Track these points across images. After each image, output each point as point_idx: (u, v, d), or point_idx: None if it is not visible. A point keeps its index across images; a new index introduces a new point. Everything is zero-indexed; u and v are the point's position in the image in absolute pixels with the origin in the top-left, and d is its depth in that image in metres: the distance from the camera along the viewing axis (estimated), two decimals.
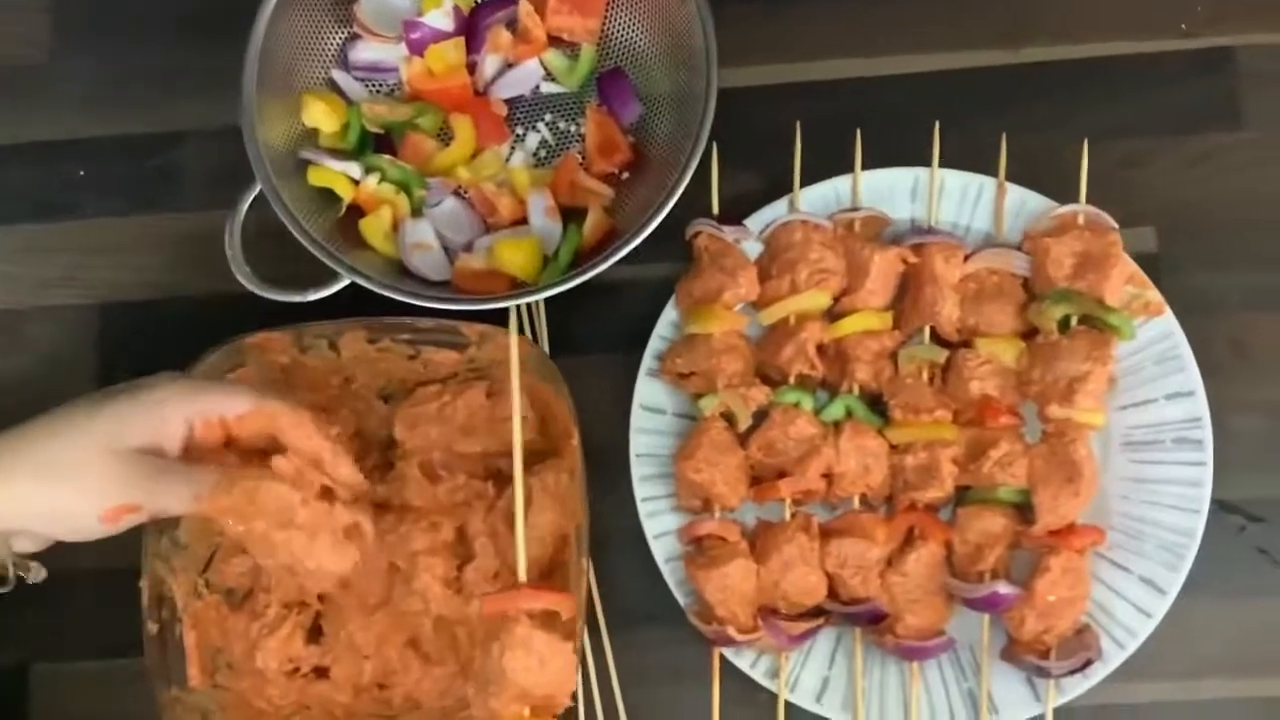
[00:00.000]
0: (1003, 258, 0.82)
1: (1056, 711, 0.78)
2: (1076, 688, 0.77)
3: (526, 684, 0.67)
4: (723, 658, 0.80)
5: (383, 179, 0.86)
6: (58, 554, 0.71)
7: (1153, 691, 0.80)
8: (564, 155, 0.88)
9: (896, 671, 0.79)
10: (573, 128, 0.90)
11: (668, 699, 0.82)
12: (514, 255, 0.83)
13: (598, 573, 0.82)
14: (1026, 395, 0.79)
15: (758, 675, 0.79)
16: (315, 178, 0.85)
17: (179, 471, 0.68)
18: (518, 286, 0.83)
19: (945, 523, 0.80)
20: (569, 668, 0.69)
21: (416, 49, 0.88)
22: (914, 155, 0.84)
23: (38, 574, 0.72)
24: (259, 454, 0.72)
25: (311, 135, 0.88)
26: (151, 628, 0.77)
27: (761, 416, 0.81)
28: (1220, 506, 0.80)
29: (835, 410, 0.81)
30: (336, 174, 0.85)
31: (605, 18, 0.89)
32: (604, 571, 0.83)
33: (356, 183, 0.86)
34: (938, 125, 0.84)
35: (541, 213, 0.85)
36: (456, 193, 0.87)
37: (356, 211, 0.87)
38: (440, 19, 0.88)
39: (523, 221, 0.86)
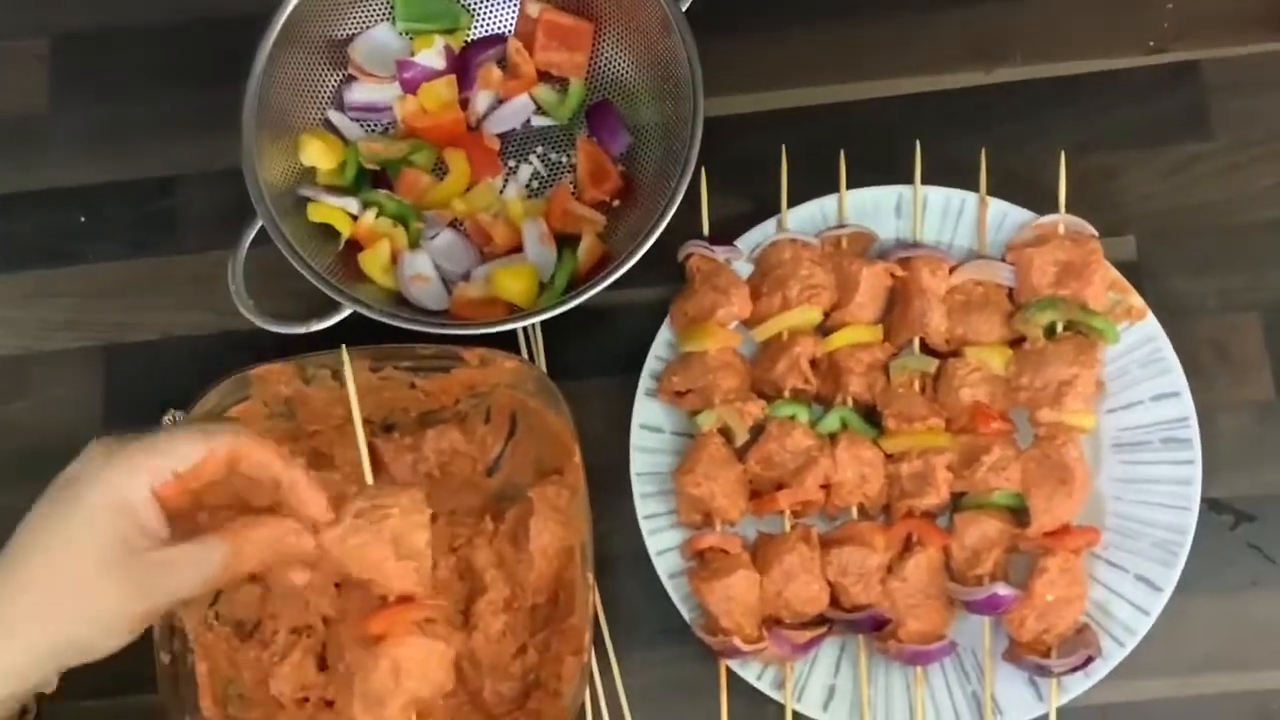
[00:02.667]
0: (987, 269, 0.84)
1: (1060, 711, 0.78)
2: (1078, 686, 0.78)
3: (415, 689, 0.69)
4: (729, 671, 0.81)
5: (380, 213, 0.88)
6: None
7: (1152, 689, 0.81)
8: (556, 185, 0.90)
9: (901, 677, 0.80)
10: (564, 158, 0.92)
11: (676, 715, 0.83)
12: (511, 282, 0.85)
13: (602, 593, 0.83)
14: (1016, 401, 0.81)
15: (764, 686, 0.80)
16: (314, 214, 0.87)
17: (183, 556, 0.62)
18: (515, 313, 0.85)
19: (943, 529, 0.81)
20: (446, 665, 0.70)
21: (410, 88, 0.91)
22: (897, 174, 0.87)
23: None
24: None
25: (309, 173, 0.90)
26: (164, 659, 0.78)
27: (758, 431, 0.82)
28: (1211, 505, 0.82)
29: (830, 422, 0.82)
30: (335, 210, 0.87)
31: (592, 52, 0.92)
32: (608, 591, 0.84)
33: (355, 218, 0.88)
34: (919, 144, 0.87)
35: (536, 241, 0.87)
36: (453, 225, 0.90)
37: (355, 247, 0.89)
38: (432, 58, 0.91)
39: (518, 250, 0.88)
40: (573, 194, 0.90)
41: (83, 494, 0.60)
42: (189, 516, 0.64)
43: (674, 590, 0.82)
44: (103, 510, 0.60)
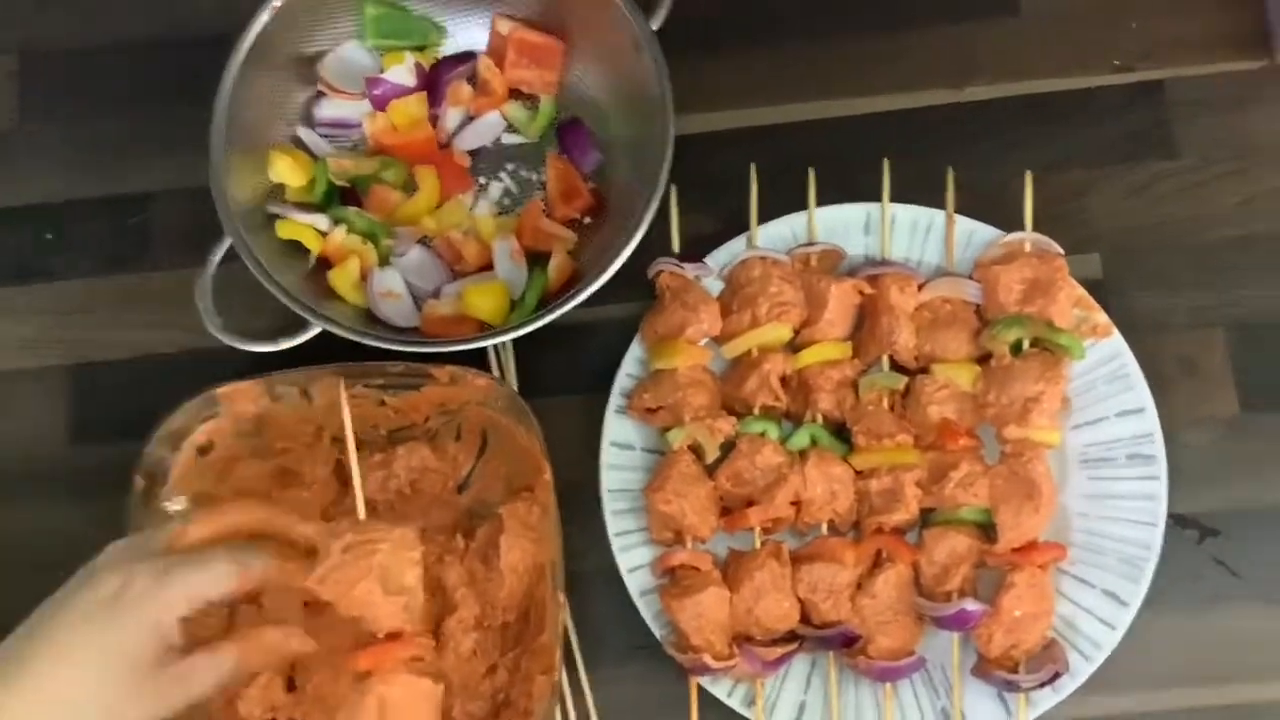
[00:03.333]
0: (955, 286, 0.84)
1: None
2: (1046, 701, 0.79)
3: None
4: (700, 688, 0.81)
5: (350, 230, 0.88)
6: None
7: (1120, 704, 0.81)
8: (527, 202, 0.90)
9: (871, 693, 0.81)
10: (534, 176, 0.92)
11: None
12: (482, 300, 0.85)
13: (573, 610, 0.83)
14: (984, 418, 0.82)
15: (735, 704, 0.80)
16: (283, 230, 0.87)
17: (199, 666, 0.66)
18: (485, 330, 0.85)
19: (912, 545, 0.81)
20: (434, 704, 0.69)
21: (379, 104, 0.91)
22: (865, 192, 0.87)
23: None
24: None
25: (279, 190, 0.89)
26: None
27: (729, 448, 0.82)
28: (1176, 521, 0.83)
29: (800, 439, 0.83)
30: (304, 226, 0.87)
31: (563, 70, 0.92)
32: (579, 609, 0.83)
33: (324, 235, 0.88)
34: (887, 163, 0.87)
35: (507, 258, 0.87)
36: (422, 242, 0.89)
37: (325, 264, 0.88)
38: (402, 74, 0.91)
39: (488, 268, 0.88)
40: (544, 211, 0.90)
41: (124, 617, 0.64)
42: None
43: (645, 608, 0.82)
44: (145, 632, 0.64)
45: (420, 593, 0.68)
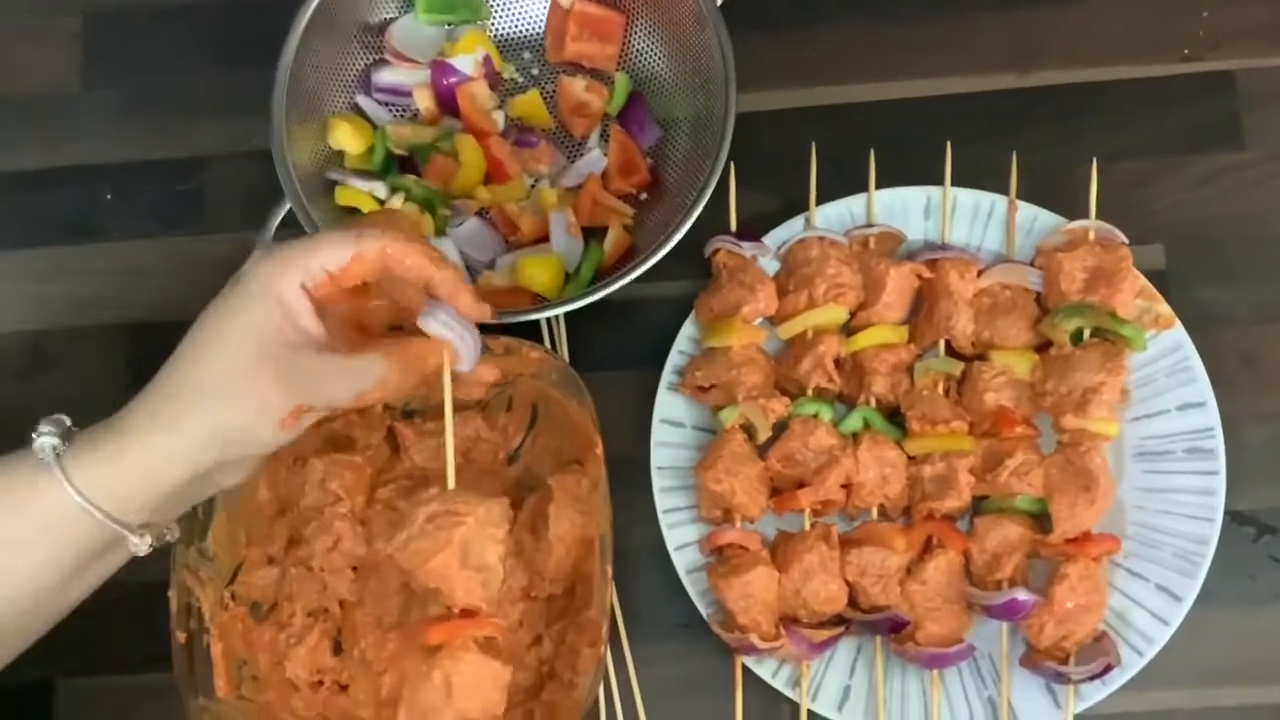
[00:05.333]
0: (1015, 273, 0.83)
1: (1076, 719, 0.78)
2: (1095, 694, 0.78)
3: (465, 707, 0.66)
4: (745, 668, 0.81)
5: (408, 198, 0.88)
6: None
7: (1169, 699, 0.80)
8: (587, 174, 0.90)
9: (917, 680, 0.80)
10: None
11: (690, 711, 0.82)
12: (537, 271, 0.85)
13: (619, 586, 0.83)
14: (1041, 407, 0.81)
15: (779, 684, 0.80)
16: (342, 197, 0.87)
17: (336, 367, 0.64)
18: (539, 302, 0.85)
19: (963, 532, 0.81)
20: (501, 687, 0.67)
21: (445, 92, 0.90)
22: (926, 175, 0.87)
23: (173, 533, 0.69)
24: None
25: (337, 157, 0.90)
26: (179, 637, 0.77)
27: (781, 428, 0.82)
28: (1234, 518, 0.82)
29: (853, 422, 0.82)
30: (362, 193, 0.87)
31: (624, 44, 0.92)
32: (625, 584, 0.83)
33: (382, 202, 0.88)
34: (950, 146, 0.86)
35: (563, 231, 0.87)
36: (479, 213, 0.89)
37: None
38: (469, 65, 0.90)
39: (544, 240, 0.88)
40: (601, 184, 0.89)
41: (242, 283, 0.63)
42: (347, 335, 0.66)
43: (691, 585, 0.82)
44: (259, 299, 0.62)
45: (500, 571, 0.66)
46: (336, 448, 0.83)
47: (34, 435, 0.62)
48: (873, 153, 0.86)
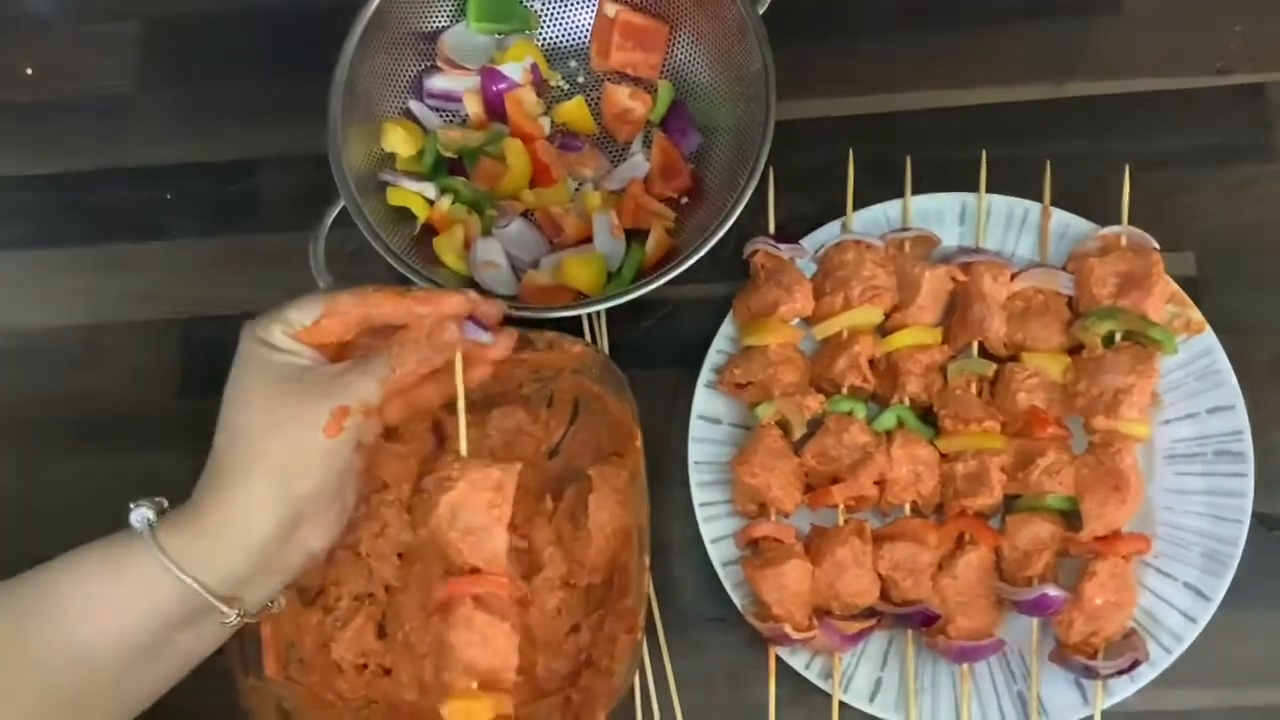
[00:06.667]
0: (1048, 277, 0.85)
1: (1103, 716, 0.79)
2: (1123, 690, 0.79)
3: (471, 659, 0.69)
4: (778, 660, 0.83)
5: (456, 200, 0.91)
6: None
7: (1196, 699, 0.81)
8: (629, 179, 0.92)
9: (948, 673, 0.81)
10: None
11: (724, 701, 0.84)
12: (580, 271, 0.87)
13: (655, 579, 0.85)
14: (1072, 408, 0.82)
15: (812, 676, 0.82)
16: (394, 198, 0.90)
17: (348, 365, 0.69)
18: (581, 299, 0.87)
19: (994, 529, 0.82)
20: (510, 644, 0.70)
21: (494, 98, 0.93)
22: (961, 183, 0.89)
23: (279, 604, 0.74)
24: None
25: (389, 159, 0.93)
26: None
27: (816, 425, 0.84)
28: (1261, 520, 0.83)
29: (887, 420, 0.84)
30: (413, 194, 0.90)
31: (668, 53, 0.94)
32: (660, 576, 0.85)
33: (431, 203, 0.91)
34: (985, 154, 0.88)
35: (607, 232, 0.89)
36: (525, 215, 0.92)
37: (429, 232, 0.91)
38: (517, 72, 0.93)
39: (587, 241, 0.90)
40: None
41: (238, 351, 0.70)
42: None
43: (727, 578, 0.84)
44: (255, 348, 0.69)
45: (497, 534, 0.69)
46: (384, 438, 0.86)
47: (131, 507, 0.67)
48: (909, 159, 0.89)
